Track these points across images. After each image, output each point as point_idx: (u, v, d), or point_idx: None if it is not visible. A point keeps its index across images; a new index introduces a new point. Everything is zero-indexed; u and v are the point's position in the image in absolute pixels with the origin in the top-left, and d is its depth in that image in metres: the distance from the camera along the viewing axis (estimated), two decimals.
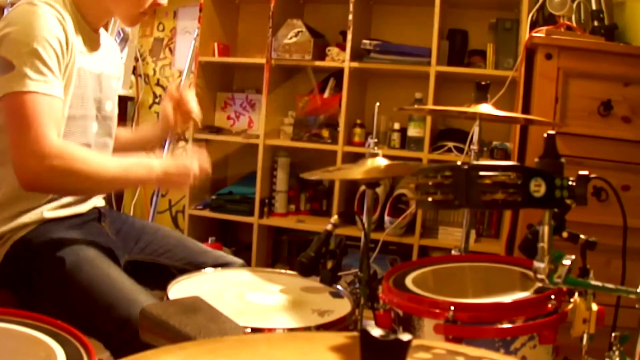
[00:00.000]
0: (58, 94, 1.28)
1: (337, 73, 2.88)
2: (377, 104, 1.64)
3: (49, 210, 1.40)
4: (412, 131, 2.78)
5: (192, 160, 1.38)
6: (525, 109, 2.16)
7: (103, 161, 1.32)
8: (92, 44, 1.46)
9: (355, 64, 2.79)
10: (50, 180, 1.24)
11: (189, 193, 3.06)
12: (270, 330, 1.13)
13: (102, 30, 1.52)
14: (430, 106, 2.60)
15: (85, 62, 1.41)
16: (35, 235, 1.35)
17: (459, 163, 0.88)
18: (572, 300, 1.16)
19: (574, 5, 2.22)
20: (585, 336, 1.14)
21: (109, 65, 1.53)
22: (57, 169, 1.22)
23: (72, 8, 1.37)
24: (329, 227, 1.42)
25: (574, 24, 2.19)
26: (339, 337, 0.64)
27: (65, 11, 1.33)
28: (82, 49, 1.39)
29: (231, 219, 3.04)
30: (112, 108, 1.53)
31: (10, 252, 1.34)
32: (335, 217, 1.44)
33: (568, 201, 0.91)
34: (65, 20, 1.31)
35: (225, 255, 1.65)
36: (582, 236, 1.18)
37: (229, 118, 3.28)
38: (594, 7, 2.23)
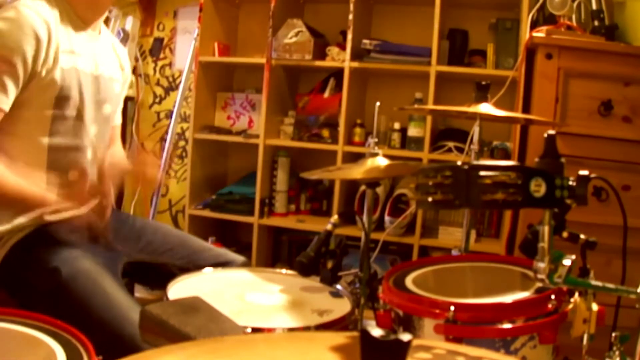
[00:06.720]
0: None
1: (337, 73, 2.88)
2: (377, 103, 1.64)
3: (49, 213, 1.38)
4: (412, 131, 2.78)
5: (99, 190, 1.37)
6: (526, 109, 2.16)
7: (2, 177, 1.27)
8: (87, 43, 1.43)
9: (355, 64, 2.79)
10: None
11: (189, 192, 3.06)
12: (270, 330, 1.13)
13: (105, 32, 1.50)
14: (430, 106, 2.60)
15: (77, 62, 1.38)
16: (33, 238, 1.34)
17: (459, 163, 0.88)
18: (572, 300, 1.15)
19: (574, 5, 2.22)
20: (585, 336, 1.14)
21: (109, 67, 1.51)
22: None
23: (64, 4, 1.35)
24: (329, 227, 1.42)
25: (574, 24, 2.19)
26: (339, 337, 0.64)
27: (54, 9, 1.30)
28: (73, 49, 1.37)
29: (231, 218, 3.04)
30: (110, 111, 1.52)
31: (8, 255, 1.33)
32: (335, 217, 1.44)
33: (568, 201, 0.91)
34: (50, 23, 1.28)
35: (226, 253, 1.65)
36: (582, 236, 1.18)
37: (229, 118, 3.28)
38: (594, 7, 2.23)
